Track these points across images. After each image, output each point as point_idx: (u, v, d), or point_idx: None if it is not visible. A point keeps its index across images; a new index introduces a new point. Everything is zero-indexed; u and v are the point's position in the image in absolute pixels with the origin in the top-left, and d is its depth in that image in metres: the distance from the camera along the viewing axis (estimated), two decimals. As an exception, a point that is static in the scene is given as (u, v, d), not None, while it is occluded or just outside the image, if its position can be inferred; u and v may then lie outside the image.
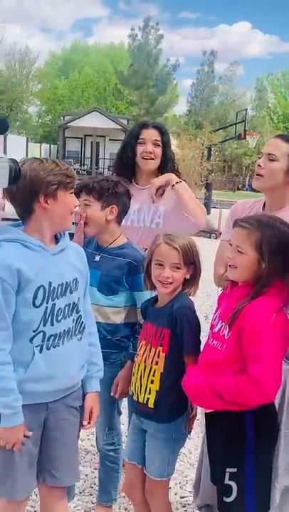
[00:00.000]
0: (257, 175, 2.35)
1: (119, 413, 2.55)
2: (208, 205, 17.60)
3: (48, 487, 1.97)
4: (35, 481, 1.93)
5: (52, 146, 33.58)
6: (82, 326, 1.96)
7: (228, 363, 1.83)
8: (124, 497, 2.67)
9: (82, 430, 2.08)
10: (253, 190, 2.90)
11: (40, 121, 46.48)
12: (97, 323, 2.28)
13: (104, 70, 45.05)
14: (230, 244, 1.94)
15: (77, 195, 2.35)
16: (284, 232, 1.87)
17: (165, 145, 2.82)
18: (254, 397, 1.76)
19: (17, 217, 1.88)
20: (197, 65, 48.18)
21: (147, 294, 2.27)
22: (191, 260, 2.07)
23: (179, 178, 2.95)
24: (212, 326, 1.97)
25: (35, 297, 1.79)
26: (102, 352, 2.11)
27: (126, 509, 2.67)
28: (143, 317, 2.25)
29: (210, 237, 13.10)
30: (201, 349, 2.02)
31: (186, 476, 2.99)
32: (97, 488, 2.69)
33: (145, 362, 2.09)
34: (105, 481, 2.59)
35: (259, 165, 2.33)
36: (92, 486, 2.84)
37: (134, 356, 2.22)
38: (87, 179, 2.42)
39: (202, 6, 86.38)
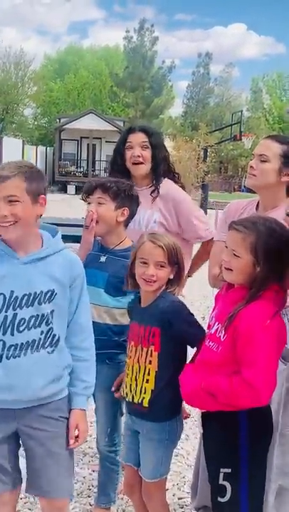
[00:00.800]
0: (250, 174, 2.36)
1: (122, 414, 2.54)
2: (204, 206, 17.65)
3: (46, 499, 1.96)
4: None
5: (48, 148, 33.47)
6: (55, 339, 1.87)
7: (223, 364, 1.84)
8: (122, 499, 2.68)
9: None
10: (249, 191, 2.92)
11: (36, 123, 46.30)
12: (105, 324, 2.28)
13: (100, 72, 44.99)
14: (226, 247, 1.95)
15: (90, 193, 2.36)
16: (279, 235, 1.86)
17: (154, 147, 2.81)
18: (247, 400, 1.77)
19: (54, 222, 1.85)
20: (193, 67, 48.06)
21: None
22: (175, 260, 2.07)
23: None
24: (209, 326, 1.97)
25: None
26: (108, 353, 2.06)
27: (124, 511, 2.67)
28: (129, 317, 2.25)
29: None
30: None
31: (183, 477, 2.99)
32: (95, 490, 2.69)
33: (139, 362, 2.09)
34: (105, 482, 2.58)
35: (251, 166, 2.34)
36: (90, 487, 2.84)
37: None
38: (100, 178, 2.42)
39: (197, 8, 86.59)
